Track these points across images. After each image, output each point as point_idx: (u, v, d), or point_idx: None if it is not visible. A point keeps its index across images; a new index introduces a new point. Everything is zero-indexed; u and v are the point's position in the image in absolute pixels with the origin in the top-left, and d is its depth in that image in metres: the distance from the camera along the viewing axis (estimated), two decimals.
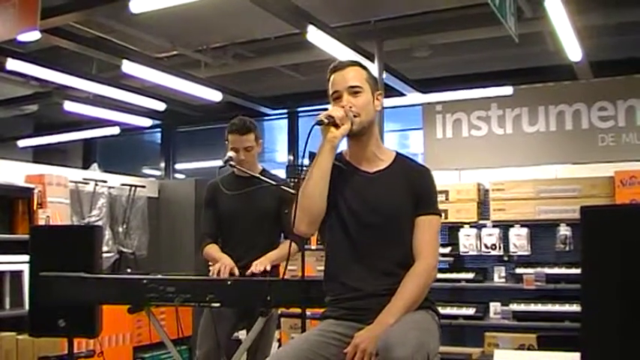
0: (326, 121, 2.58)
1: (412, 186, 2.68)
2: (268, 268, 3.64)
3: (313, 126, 2.61)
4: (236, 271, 3.65)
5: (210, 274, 3.68)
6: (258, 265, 3.62)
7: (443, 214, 2.81)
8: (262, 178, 3.82)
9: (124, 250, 8.40)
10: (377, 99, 2.73)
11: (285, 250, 3.80)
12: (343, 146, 2.79)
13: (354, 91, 2.66)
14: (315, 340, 2.50)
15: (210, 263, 3.92)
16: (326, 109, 2.65)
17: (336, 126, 2.58)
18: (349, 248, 2.65)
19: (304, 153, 3.17)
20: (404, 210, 2.65)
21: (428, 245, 2.62)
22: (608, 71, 7.74)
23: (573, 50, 6.60)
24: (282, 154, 10.47)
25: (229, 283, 3.30)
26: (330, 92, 2.72)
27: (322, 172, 2.60)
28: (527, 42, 6.12)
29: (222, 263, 3.68)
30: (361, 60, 6.67)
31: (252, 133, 3.95)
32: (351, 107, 2.63)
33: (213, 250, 3.95)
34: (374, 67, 7.05)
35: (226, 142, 3.98)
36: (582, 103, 7.66)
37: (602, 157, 7.39)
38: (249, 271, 3.61)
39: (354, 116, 2.62)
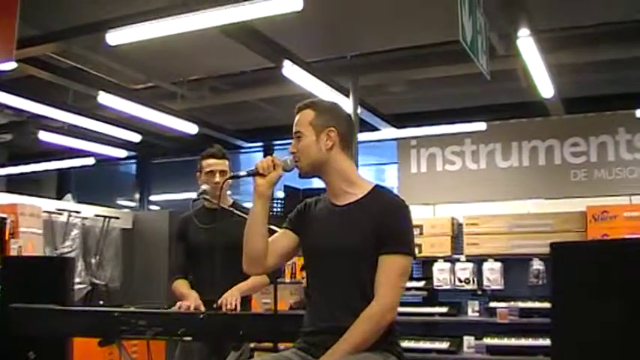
0: (243, 173, 2.78)
1: (378, 222, 2.54)
2: (238, 302, 3.61)
3: (229, 178, 3.13)
4: (202, 309, 3.62)
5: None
6: (229, 299, 3.59)
7: (415, 252, 2.63)
8: (233, 210, 3.82)
9: (97, 281, 8.33)
10: (327, 135, 2.66)
11: (255, 282, 3.80)
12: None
13: (297, 136, 2.70)
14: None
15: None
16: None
17: (262, 175, 2.67)
18: (314, 282, 2.68)
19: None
20: (364, 247, 2.53)
21: (385, 286, 2.49)
22: (580, 108, 7.87)
23: (545, 87, 6.69)
24: None
25: (201, 316, 3.28)
26: None
27: (255, 218, 2.70)
28: (500, 79, 6.21)
29: (184, 303, 3.66)
30: (333, 95, 6.83)
31: (227, 159, 4.02)
32: (294, 153, 2.70)
33: (181, 285, 3.92)
34: (348, 102, 7.11)
35: (198, 174, 4.00)
36: (555, 139, 7.79)
37: (575, 192, 7.50)
38: (218, 302, 3.58)
39: (296, 161, 2.70)
